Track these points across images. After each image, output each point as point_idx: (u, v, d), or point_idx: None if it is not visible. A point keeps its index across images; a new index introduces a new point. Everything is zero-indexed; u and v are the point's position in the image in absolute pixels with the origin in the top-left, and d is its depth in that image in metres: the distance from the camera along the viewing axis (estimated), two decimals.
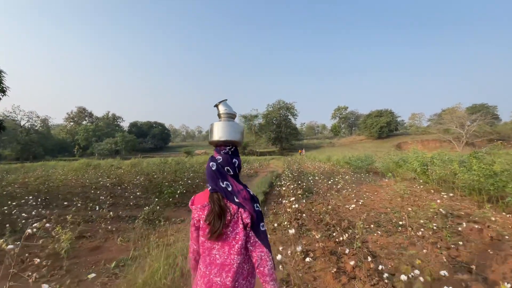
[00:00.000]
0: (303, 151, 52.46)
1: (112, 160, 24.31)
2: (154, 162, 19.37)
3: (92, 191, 7.64)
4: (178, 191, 6.93)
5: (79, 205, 6.02)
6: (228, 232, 1.13)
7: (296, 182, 8.47)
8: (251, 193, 1.20)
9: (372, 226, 4.41)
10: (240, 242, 1.12)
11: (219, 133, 1.20)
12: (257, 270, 1.14)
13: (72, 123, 75.17)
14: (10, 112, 54.32)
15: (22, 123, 56.80)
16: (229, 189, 1.14)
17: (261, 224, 1.17)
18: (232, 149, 1.23)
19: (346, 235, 3.87)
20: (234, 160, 1.21)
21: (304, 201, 6.41)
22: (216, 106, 1.29)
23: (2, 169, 17.95)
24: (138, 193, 7.27)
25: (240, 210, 1.13)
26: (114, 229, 4.67)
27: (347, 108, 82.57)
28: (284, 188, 7.12)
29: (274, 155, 51.13)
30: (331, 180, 8.48)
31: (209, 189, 1.17)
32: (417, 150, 10.01)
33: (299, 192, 6.91)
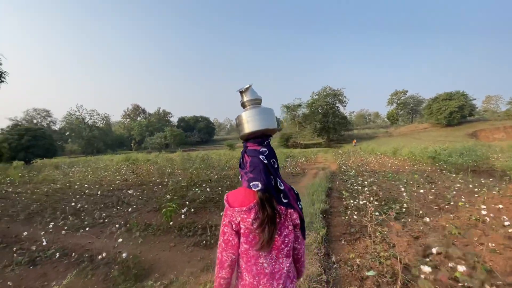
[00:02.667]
0: (355, 141, 47.21)
1: (154, 155, 24.22)
2: (191, 156, 18.08)
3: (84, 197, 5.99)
4: (185, 208, 4.59)
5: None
6: (276, 236, 0.99)
7: (371, 190, 5.49)
8: (295, 191, 1.12)
9: None
10: (290, 245, 1.03)
11: (262, 121, 1.02)
12: (299, 263, 1.16)
13: (128, 120, 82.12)
14: (75, 111, 61.21)
15: (85, 120, 63.59)
16: (281, 187, 1.00)
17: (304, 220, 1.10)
18: (270, 140, 1.09)
19: None
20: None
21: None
22: (242, 92, 1.10)
23: (58, 163, 18.89)
24: (129, 209, 5.24)
25: (289, 210, 1.02)
26: None
27: (407, 92, 72.06)
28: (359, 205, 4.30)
29: (320, 147, 47.03)
30: (428, 186, 5.30)
31: (258, 188, 0.95)
32: None
33: (384, 210, 4.02)
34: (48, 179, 10.52)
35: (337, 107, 58.19)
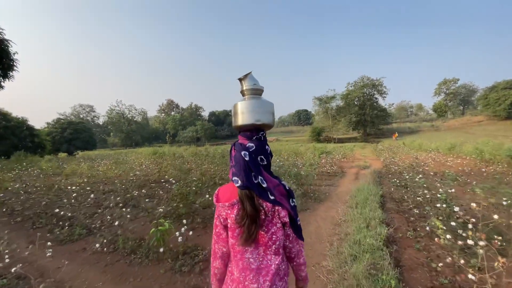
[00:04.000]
0: (397, 135, 43.03)
1: (184, 148, 24.16)
2: (217, 150, 17.33)
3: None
4: (184, 228, 3.07)
5: None
6: (263, 232, 0.96)
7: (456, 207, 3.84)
8: (287, 187, 1.04)
9: None
10: (277, 243, 0.98)
11: (253, 114, 0.96)
12: (294, 263, 1.08)
13: (163, 114, 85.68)
14: (115, 106, 65.15)
15: (125, 115, 67.42)
16: (264, 185, 0.95)
17: (298, 219, 1.03)
18: (264, 134, 1.04)
19: None
20: (267, 147, 1.02)
21: None
22: (241, 80, 1.03)
23: (97, 155, 19.62)
24: (125, 219, 4.25)
25: (276, 208, 0.97)
26: None
27: (458, 80, 63.76)
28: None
29: (355, 142, 43.69)
30: None
31: (237, 185, 0.94)
32: None
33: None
34: (73, 172, 10.37)
35: (376, 98, 53.64)
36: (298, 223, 1.03)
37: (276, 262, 0.97)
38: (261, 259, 0.97)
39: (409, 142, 25.12)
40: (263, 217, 0.95)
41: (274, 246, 0.97)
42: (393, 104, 63.31)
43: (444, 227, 2.64)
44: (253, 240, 0.93)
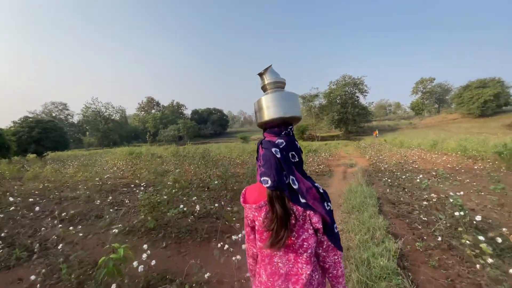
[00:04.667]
0: (377, 132, 44.16)
1: (164, 147, 23.04)
2: (197, 150, 16.51)
3: None
4: (146, 254, 2.35)
5: None
6: (293, 238, 0.88)
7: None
8: (321, 190, 0.92)
9: None
10: (309, 251, 0.88)
11: (281, 108, 0.89)
12: (330, 275, 0.96)
13: (143, 112, 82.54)
14: (91, 104, 61.60)
15: (101, 113, 63.93)
16: (295, 186, 0.86)
17: (335, 226, 0.93)
18: (293, 129, 0.97)
19: None
20: (296, 142, 0.95)
21: None
22: (261, 75, 0.98)
23: (69, 156, 18.06)
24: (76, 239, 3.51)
25: (308, 212, 0.88)
26: None
27: (434, 79, 66.58)
28: None
29: (338, 139, 44.29)
30: None
31: (267, 185, 0.85)
32: None
33: None
34: (35, 176, 9.22)
35: (357, 97, 54.66)
36: (336, 230, 0.93)
37: (308, 272, 0.87)
38: (290, 265, 0.89)
39: (391, 139, 25.61)
40: (293, 221, 0.87)
41: (306, 254, 0.88)
42: (372, 102, 64.90)
43: (488, 249, 2.14)
44: (282, 245, 0.84)
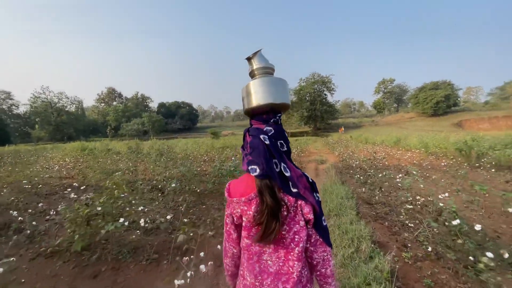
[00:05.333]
0: (343, 129, 46.17)
1: (124, 143, 21.14)
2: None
3: None
4: None
5: None
6: (283, 232, 0.82)
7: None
8: (310, 179, 0.89)
9: None
10: (301, 245, 0.83)
11: (269, 94, 0.84)
12: (317, 273, 0.89)
13: (103, 104, 76.16)
14: (40, 93, 54.91)
15: (53, 104, 57.38)
16: (287, 174, 0.81)
17: (323, 218, 0.88)
18: (281, 117, 0.91)
19: None
20: (284, 132, 0.90)
21: None
22: (250, 59, 0.92)
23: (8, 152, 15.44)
24: None
25: (299, 203, 0.83)
26: None
27: (394, 80, 71.39)
28: None
29: (307, 136, 45.32)
30: None
31: (256, 174, 0.79)
32: None
33: None
34: None
35: (325, 94, 56.38)
36: (324, 223, 0.88)
37: (299, 269, 0.83)
38: (281, 263, 0.84)
39: (356, 136, 26.65)
40: (285, 213, 0.82)
41: (297, 249, 0.83)
42: (339, 101, 67.74)
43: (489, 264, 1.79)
44: (273, 238, 0.79)
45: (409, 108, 65.77)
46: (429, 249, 2.40)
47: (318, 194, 0.88)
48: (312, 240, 0.86)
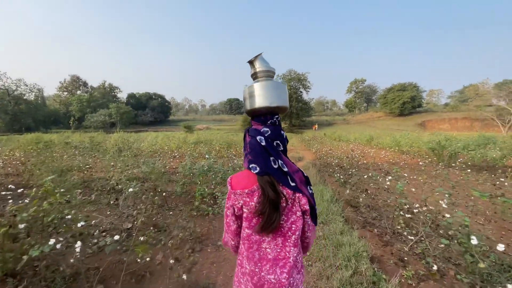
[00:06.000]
0: (317, 126, 47.31)
1: (88, 135, 19.25)
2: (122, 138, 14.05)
3: None
4: None
5: None
6: (282, 222, 0.90)
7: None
8: (305, 174, 0.98)
9: None
10: (297, 233, 0.91)
11: (269, 97, 0.90)
12: (307, 248, 1.06)
13: (65, 93, 69.71)
14: None
15: (10, 92, 51.20)
16: (285, 169, 0.89)
17: (315, 207, 0.96)
18: (279, 118, 0.97)
19: None
20: (282, 132, 0.95)
21: None
22: (251, 62, 0.98)
23: None
24: None
25: (297, 195, 0.91)
26: None
27: (365, 80, 74.41)
28: None
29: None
30: None
31: (256, 171, 0.88)
32: None
33: None
34: None
35: (301, 92, 56.96)
36: (316, 211, 0.97)
37: (295, 255, 0.91)
38: (278, 250, 0.91)
39: (330, 133, 27.17)
40: (284, 204, 0.89)
41: (294, 236, 0.90)
42: (313, 99, 69.06)
43: None
44: (274, 228, 0.87)
45: (377, 107, 69.12)
46: (435, 267, 2.08)
47: (311, 187, 0.96)
48: (310, 227, 0.95)
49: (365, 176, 5.68)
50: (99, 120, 53.06)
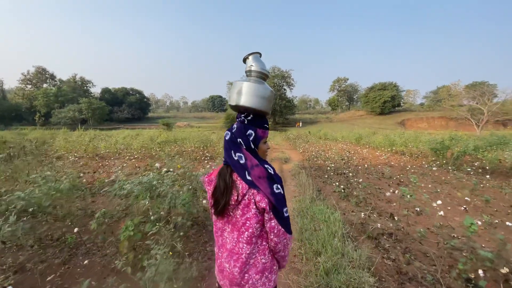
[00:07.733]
0: (300, 124, 46.88)
1: (49, 132, 16.88)
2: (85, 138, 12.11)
3: None
4: None
5: None
6: (238, 216, 0.92)
7: None
8: (270, 171, 0.91)
9: None
10: (250, 230, 0.90)
11: (237, 96, 0.95)
12: (278, 256, 0.99)
13: (29, 86, 63.93)
14: None
15: None
16: (242, 161, 0.91)
17: (285, 209, 0.92)
18: (249, 118, 0.97)
19: None
20: (249, 131, 0.95)
21: None
22: (245, 60, 1.00)
23: None
24: None
25: (252, 191, 0.89)
26: None
27: (348, 79, 75.18)
28: None
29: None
30: None
31: (223, 161, 0.98)
32: None
33: None
34: None
35: (284, 89, 56.24)
36: (286, 214, 0.93)
37: (247, 252, 0.91)
38: (234, 243, 0.93)
39: (315, 131, 26.38)
40: (235, 197, 0.90)
41: (246, 233, 0.90)
42: (296, 97, 68.77)
43: None
44: (219, 213, 0.92)
45: (359, 106, 70.15)
46: None
47: (280, 186, 0.90)
48: (275, 231, 0.90)
49: (365, 183, 4.49)
50: (67, 116, 49.00)
